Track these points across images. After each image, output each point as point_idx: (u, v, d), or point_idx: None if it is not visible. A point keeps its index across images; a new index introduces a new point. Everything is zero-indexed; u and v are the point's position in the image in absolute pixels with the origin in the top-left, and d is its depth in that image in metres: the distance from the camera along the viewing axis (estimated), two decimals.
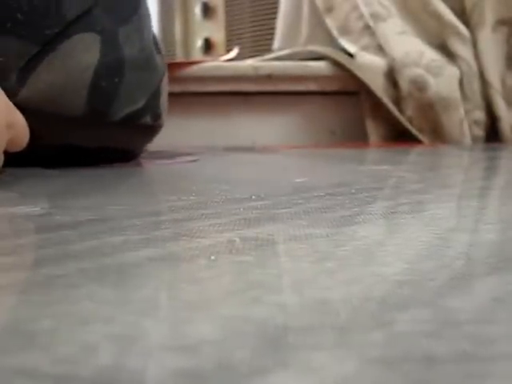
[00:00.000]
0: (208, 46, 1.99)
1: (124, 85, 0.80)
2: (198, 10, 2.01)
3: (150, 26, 0.85)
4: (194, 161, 0.93)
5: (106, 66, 0.77)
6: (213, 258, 0.30)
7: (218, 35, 1.97)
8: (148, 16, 0.84)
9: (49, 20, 0.74)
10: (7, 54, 0.74)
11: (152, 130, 0.86)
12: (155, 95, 0.84)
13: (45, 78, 0.75)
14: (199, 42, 2.00)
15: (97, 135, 0.80)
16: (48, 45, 0.74)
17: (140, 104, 0.82)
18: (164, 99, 0.87)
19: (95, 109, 0.78)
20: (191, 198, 0.52)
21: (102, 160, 0.80)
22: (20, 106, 0.72)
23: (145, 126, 0.84)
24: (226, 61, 1.42)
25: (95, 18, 0.77)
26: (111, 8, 0.78)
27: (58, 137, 0.78)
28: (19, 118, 0.70)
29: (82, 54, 0.76)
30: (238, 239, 0.34)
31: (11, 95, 0.72)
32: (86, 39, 0.76)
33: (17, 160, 0.72)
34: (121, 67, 0.79)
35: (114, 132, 0.81)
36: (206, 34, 2.00)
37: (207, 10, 1.99)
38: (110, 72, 0.78)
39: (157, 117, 0.85)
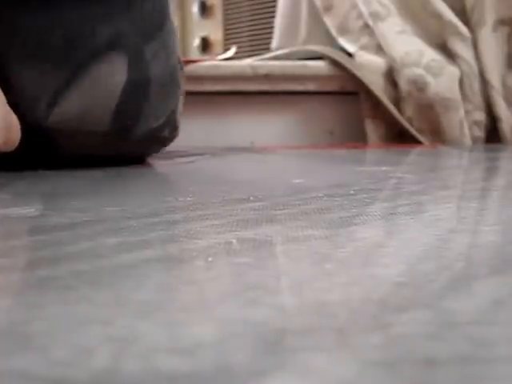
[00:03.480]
0: (205, 45, 1.99)
1: (148, 103, 0.80)
2: (195, 9, 2.01)
3: (175, 42, 0.84)
4: (192, 161, 0.93)
5: (132, 86, 0.78)
6: (210, 259, 0.30)
7: (216, 34, 1.97)
8: (173, 31, 0.84)
9: (82, 45, 0.75)
10: (41, 80, 0.74)
11: (168, 141, 0.87)
12: (175, 111, 0.85)
13: (74, 101, 0.75)
14: (196, 41, 2.00)
15: (116, 148, 0.81)
16: (78, 68, 0.75)
17: (161, 121, 0.83)
18: (180, 111, 0.87)
19: (120, 127, 0.78)
20: (188, 198, 0.52)
21: (114, 164, 0.81)
22: (49, 129, 0.73)
23: (162, 138, 0.85)
24: (223, 60, 1.42)
25: (122, 37, 0.77)
26: (137, 25, 0.78)
27: (79, 148, 0.79)
28: (13, 119, 0.70)
29: (110, 75, 0.77)
30: (235, 240, 0.34)
31: (42, 119, 0.73)
32: (113, 61, 0.76)
33: (15, 161, 0.72)
34: (147, 86, 0.80)
35: (133, 145, 0.82)
36: (203, 33, 2.00)
37: (205, 9, 1.99)
38: (137, 91, 0.79)
39: (174, 129, 0.86)
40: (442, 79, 1.30)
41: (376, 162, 1.03)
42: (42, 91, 0.74)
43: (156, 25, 0.81)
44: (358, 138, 1.35)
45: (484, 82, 1.34)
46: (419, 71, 1.29)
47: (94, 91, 0.76)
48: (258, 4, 1.82)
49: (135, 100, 0.79)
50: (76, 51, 0.75)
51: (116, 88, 0.77)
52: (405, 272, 0.28)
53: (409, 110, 1.32)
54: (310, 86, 1.34)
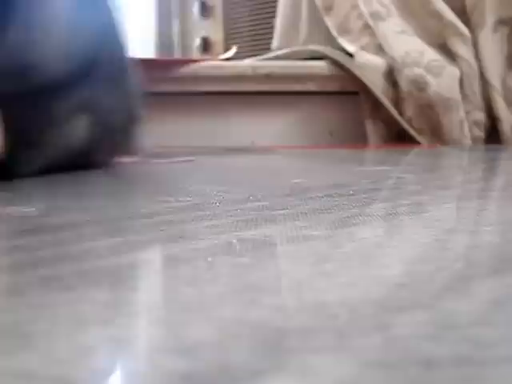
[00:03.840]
0: (206, 45, 1.98)
1: (110, 142, 0.81)
2: (195, 9, 2.01)
3: (135, 81, 0.84)
4: (191, 161, 0.93)
5: (93, 137, 0.78)
6: (209, 259, 0.30)
7: (216, 34, 1.97)
8: (130, 72, 0.83)
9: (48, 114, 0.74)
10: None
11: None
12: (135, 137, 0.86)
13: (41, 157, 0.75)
14: (197, 41, 2.00)
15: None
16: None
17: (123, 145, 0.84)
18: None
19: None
20: (188, 199, 0.52)
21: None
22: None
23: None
24: (224, 60, 1.42)
25: (84, 101, 0.76)
26: (98, 87, 0.78)
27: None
28: None
29: (71, 136, 0.77)
30: (235, 241, 0.34)
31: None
32: (74, 124, 0.76)
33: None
34: (111, 133, 0.80)
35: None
36: (203, 33, 1.99)
37: (205, 9, 1.99)
38: (99, 139, 0.79)
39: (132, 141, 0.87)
40: (443, 79, 1.30)
41: (376, 162, 1.03)
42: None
43: (117, 73, 0.80)
44: (358, 138, 1.35)
45: (484, 82, 1.34)
46: (419, 71, 1.29)
47: (56, 150, 0.76)
48: (258, 4, 1.82)
49: (96, 146, 0.80)
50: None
51: (77, 144, 0.77)
52: (404, 272, 0.28)
53: (409, 109, 1.32)
54: (311, 86, 1.34)
